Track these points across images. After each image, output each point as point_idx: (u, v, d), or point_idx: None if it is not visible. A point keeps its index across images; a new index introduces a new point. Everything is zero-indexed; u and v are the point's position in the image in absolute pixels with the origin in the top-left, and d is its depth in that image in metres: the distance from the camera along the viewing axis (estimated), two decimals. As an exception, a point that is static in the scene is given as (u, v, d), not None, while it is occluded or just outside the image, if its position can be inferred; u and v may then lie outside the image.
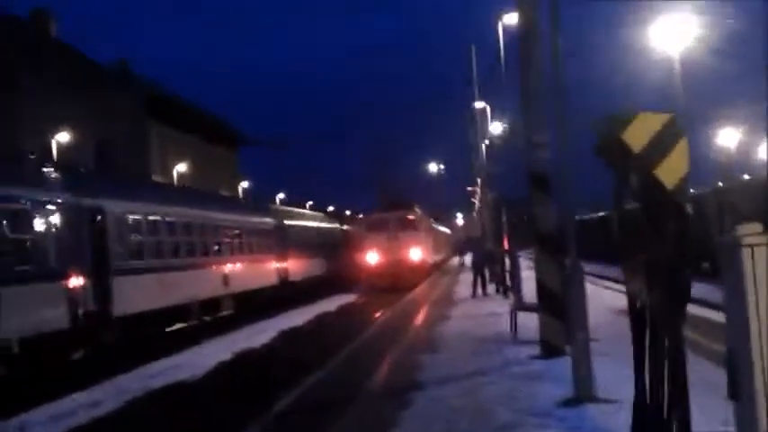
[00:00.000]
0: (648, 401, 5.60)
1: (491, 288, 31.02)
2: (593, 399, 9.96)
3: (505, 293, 27.91)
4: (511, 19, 26.62)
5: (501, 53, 27.60)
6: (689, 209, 5.41)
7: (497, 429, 9.02)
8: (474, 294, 30.18)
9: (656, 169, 5.38)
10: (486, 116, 47.26)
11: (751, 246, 4.43)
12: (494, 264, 33.29)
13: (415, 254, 45.97)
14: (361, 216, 58.38)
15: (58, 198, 19.89)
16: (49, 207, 19.42)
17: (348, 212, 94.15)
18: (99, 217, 21.68)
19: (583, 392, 10.04)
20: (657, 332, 5.60)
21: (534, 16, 13.80)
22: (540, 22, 13.83)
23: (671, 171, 5.37)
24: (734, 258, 4.53)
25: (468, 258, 65.87)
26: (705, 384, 7.06)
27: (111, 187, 24.35)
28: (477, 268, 31.49)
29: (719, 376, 8.55)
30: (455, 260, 74.08)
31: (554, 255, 13.84)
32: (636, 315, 6.10)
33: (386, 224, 45.47)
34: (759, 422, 4.45)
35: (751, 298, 4.39)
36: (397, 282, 42.55)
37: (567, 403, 9.94)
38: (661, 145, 5.38)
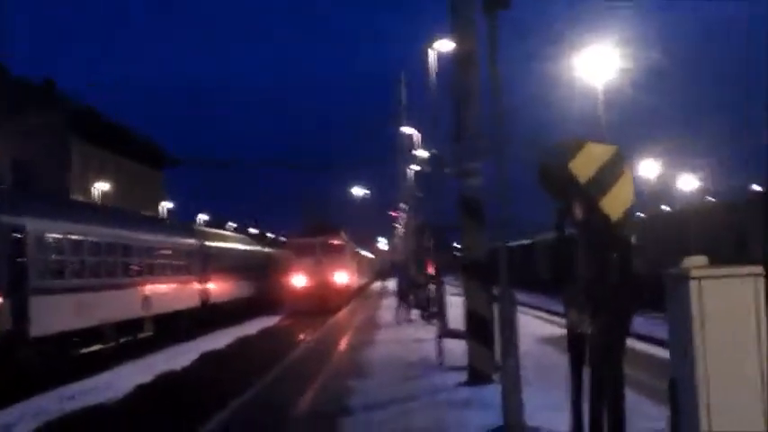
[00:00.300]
0: (588, 430, 5.60)
1: (414, 313, 31.05)
2: (523, 427, 9.97)
3: (429, 319, 27.96)
4: (442, 46, 26.81)
5: (432, 78, 27.77)
6: (633, 239, 5.45)
7: (428, 457, 8.96)
8: (398, 320, 30.17)
9: (601, 200, 5.41)
10: (412, 142, 47.51)
11: (698, 278, 4.47)
12: (417, 289, 33.37)
13: (341, 277, 46.89)
14: (285, 239, 58.29)
15: (-24, 214, 19.36)
16: (-33, 223, 18.90)
17: (270, 235, 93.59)
18: (19, 235, 21.12)
19: (512, 420, 10.04)
20: (597, 362, 5.62)
21: (471, 43, 13.90)
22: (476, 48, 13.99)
23: (616, 202, 5.42)
24: (680, 290, 4.56)
25: (390, 283, 66.23)
26: (639, 415, 7.12)
27: (32, 204, 23.77)
28: (402, 293, 31.50)
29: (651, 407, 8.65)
30: (377, 284, 74.29)
31: (483, 282, 13.90)
32: (574, 343, 6.11)
33: (312, 248, 46.07)
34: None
35: (697, 329, 4.42)
36: (322, 304, 43.11)
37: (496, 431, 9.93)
38: (607, 176, 5.42)
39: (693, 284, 4.46)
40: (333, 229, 49.32)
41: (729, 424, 4.42)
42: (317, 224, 49.61)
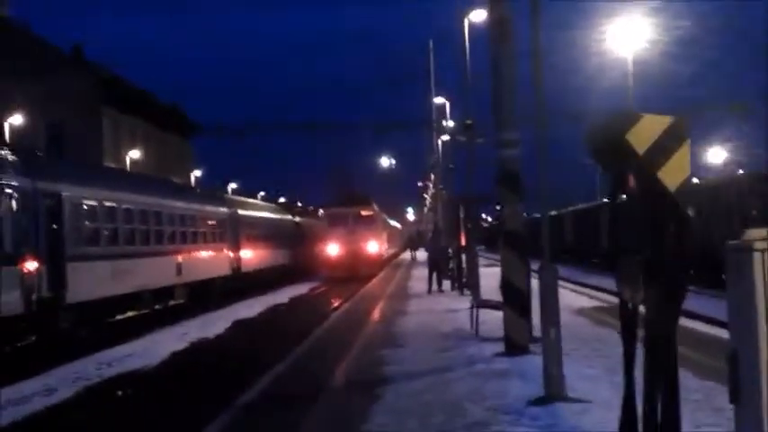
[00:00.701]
0: (644, 405, 5.59)
1: (446, 284, 31.10)
2: (564, 398, 10.00)
3: (461, 290, 28.00)
4: (478, 16, 26.64)
5: (466, 49, 27.61)
6: (690, 212, 5.43)
7: (471, 426, 9.01)
8: (430, 290, 30.24)
9: (659, 171, 5.38)
10: (443, 112, 47.39)
11: (761, 250, 4.47)
12: (449, 260, 33.42)
13: (372, 246, 49.33)
14: (319, 210, 61.29)
15: (15, 181, 19.51)
16: (6, 190, 19.06)
17: (299, 204, 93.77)
18: (56, 202, 21.31)
19: (553, 391, 10.07)
20: (652, 335, 5.61)
21: (508, 12, 13.81)
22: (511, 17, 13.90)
23: (673, 173, 5.39)
24: (743, 262, 4.56)
25: (419, 253, 66.32)
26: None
27: (68, 172, 23.96)
28: (434, 264, 31.55)
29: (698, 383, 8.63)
30: (406, 254, 74.41)
31: (521, 253, 13.89)
32: (627, 316, 6.10)
33: (346, 219, 48.53)
34: (763, 425, 4.48)
35: (760, 301, 4.42)
36: (354, 272, 45.17)
37: (538, 402, 9.96)
38: (665, 147, 5.39)
39: (757, 256, 4.46)
40: (365, 200, 51.85)
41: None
42: (349, 195, 52.15)
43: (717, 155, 58.92)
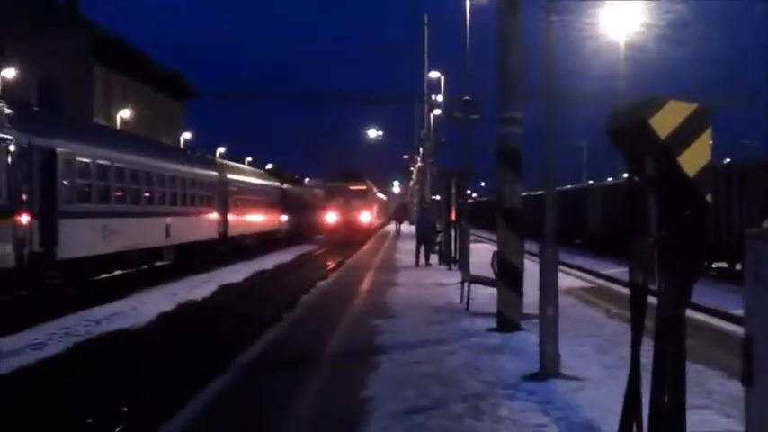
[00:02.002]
0: (652, 391, 5.70)
1: (433, 258, 31.23)
2: (559, 375, 10.15)
3: (450, 265, 28.14)
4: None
5: (466, 24, 27.60)
6: (709, 198, 5.52)
7: (468, 398, 9.13)
8: (417, 263, 30.37)
9: (680, 156, 5.47)
10: (434, 86, 47.41)
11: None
12: (437, 234, 33.55)
13: (364, 216, 57.69)
14: (305, 178, 78.01)
15: (10, 135, 19.45)
16: (1, 144, 19.00)
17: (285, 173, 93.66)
18: (49, 158, 21.25)
19: (548, 368, 10.22)
20: (662, 317, 5.71)
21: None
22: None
23: (694, 159, 5.47)
24: (761, 249, 4.67)
25: (404, 226, 66.59)
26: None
27: (62, 128, 23.90)
28: (422, 238, 31.66)
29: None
30: (391, 226, 74.95)
31: (518, 231, 14.01)
32: (637, 297, 6.20)
33: (342, 192, 56.62)
34: (775, 408, 4.60)
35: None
36: (349, 237, 52.86)
37: (533, 377, 10.11)
38: (687, 133, 5.47)
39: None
40: (359, 175, 59.82)
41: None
42: (346, 172, 59.65)
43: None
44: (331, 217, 56.93)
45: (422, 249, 31.08)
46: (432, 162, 48.71)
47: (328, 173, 64.52)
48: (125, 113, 52.90)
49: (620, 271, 25.28)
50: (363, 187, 58.64)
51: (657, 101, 5.63)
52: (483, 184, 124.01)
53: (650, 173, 5.89)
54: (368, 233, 58.55)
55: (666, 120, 5.51)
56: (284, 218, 57.36)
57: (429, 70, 48.45)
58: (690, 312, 16.57)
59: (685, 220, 5.58)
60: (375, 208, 65.56)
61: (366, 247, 47.11)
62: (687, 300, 5.83)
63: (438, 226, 34.03)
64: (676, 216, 5.61)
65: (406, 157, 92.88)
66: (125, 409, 11.39)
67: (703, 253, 5.37)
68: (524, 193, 19.04)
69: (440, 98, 48.06)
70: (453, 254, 27.93)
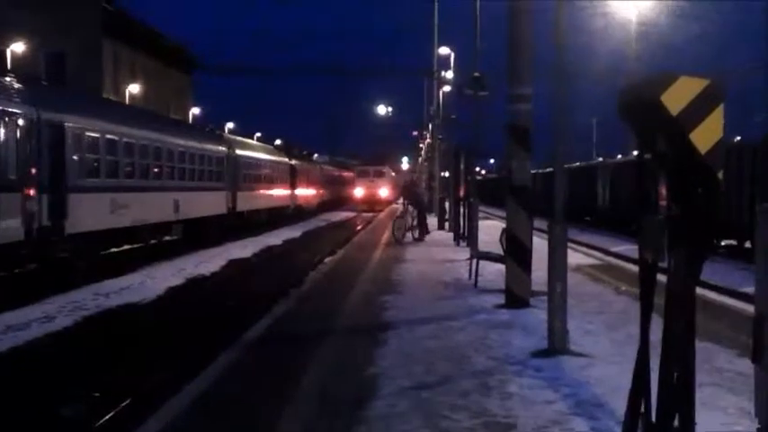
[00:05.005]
0: (661, 368, 5.67)
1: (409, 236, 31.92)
2: (567, 351, 10.14)
3: (458, 241, 28.17)
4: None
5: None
6: (720, 175, 5.47)
7: (476, 374, 9.14)
8: (415, 237, 31.01)
9: (691, 133, 5.42)
10: (445, 62, 47.22)
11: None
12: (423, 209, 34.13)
13: (383, 192, 78.07)
14: (314, 154, 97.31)
15: (19, 109, 19.43)
16: (10, 118, 18.98)
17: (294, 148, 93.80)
18: (58, 132, 21.24)
19: (557, 344, 10.22)
20: (672, 293, 5.68)
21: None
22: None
23: (706, 136, 5.42)
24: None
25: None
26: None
27: (71, 103, 23.84)
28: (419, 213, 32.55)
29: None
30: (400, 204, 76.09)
31: (527, 208, 13.97)
32: (646, 274, 6.16)
33: (368, 173, 78.28)
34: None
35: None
36: (372, 207, 71.32)
37: (541, 354, 10.10)
38: (699, 109, 5.42)
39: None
40: (382, 159, 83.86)
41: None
42: (372, 157, 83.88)
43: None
44: (359, 191, 78.03)
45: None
46: (441, 138, 48.58)
47: (362, 156, 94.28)
48: (134, 88, 52.84)
49: (630, 248, 25.27)
50: (384, 170, 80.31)
51: (669, 77, 5.58)
52: (492, 161, 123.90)
53: (661, 149, 5.84)
54: (386, 203, 76.70)
55: (678, 95, 5.46)
56: (297, 192, 59.34)
57: (439, 46, 48.19)
58: (699, 290, 16.60)
59: (697, 197, 5.54)
60: (391, 185, 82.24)
61: (374, 223, 47.17)
62: (697, 276, 5.80)
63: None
64: (687, 193, 5.57)
65: (415, 133, 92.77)
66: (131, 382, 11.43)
67: (714, 230, 5.34)
68: (533, 171, 19.15)
69: (449, 74, 47.83)
70: (462, 230, 27.92)
